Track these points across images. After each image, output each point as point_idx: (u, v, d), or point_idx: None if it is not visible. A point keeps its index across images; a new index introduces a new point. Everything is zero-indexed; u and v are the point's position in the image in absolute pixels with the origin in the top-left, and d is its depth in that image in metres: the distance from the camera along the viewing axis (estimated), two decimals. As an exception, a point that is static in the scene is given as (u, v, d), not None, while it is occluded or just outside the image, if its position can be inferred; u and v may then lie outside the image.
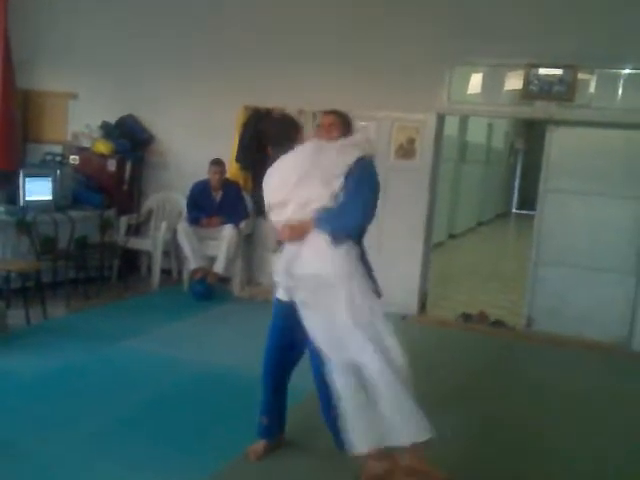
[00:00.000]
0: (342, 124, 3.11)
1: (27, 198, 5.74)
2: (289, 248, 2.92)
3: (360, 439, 2.63)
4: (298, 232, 2.89)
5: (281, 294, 3.03)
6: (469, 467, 3.27)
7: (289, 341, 3.07)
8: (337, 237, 2.83)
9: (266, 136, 3.32)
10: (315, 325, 2.79)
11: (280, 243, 3.02)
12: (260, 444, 3.20)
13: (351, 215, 2.86)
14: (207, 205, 6.32)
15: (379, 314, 2.79)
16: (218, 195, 6.33)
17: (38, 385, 3.91)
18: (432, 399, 4.09)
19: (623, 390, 4.63)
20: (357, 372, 2.69)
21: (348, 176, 2.86)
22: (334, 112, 3.19)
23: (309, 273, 2.84)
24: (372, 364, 2.67)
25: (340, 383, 2.69)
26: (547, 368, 5.04)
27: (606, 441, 3.76)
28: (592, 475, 3.36)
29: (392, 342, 2.74)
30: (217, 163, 6.24)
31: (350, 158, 2.88)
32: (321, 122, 3.18)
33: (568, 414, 4.12)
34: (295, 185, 2.91)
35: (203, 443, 3.30)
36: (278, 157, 3.07)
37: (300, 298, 2.84)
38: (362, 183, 2.87)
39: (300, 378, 3.20)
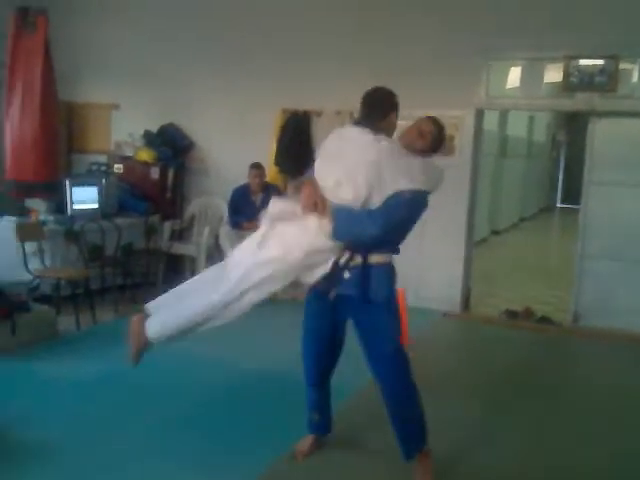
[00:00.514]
0: (433, 142, 2.93)
1: (75, 207, 5.91)
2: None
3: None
4: (318, 206, 2.76)
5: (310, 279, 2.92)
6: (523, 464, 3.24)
7: (323, 340, 3.09)
8: (338, 238, 2.74)
9: (366, 99, 3.09)
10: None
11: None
12: (308, 439, 3.24)
13: (366, 225, 2.71)
14: (248, 209, 6.38)
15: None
16: (258, 198, 6.40)
17: (89, 388, 4.02)
18: (480, 395, 4.09)
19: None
20: None
21: (394, 195, 2.70)
22: (438, 126, 2.96)
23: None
24: None
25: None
26: (595, 363, 4.95)
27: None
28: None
29: None
30: (257, 167, 6.32)
31: (410, 185, 2.73)
32: (423, 128, 2.92)
33: (618, 411, 4.04)
34: (349, 170, 2.76)
35: (252, 442, 3.35)
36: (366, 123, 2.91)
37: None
38: (396, 207, 2.71)
39: (340, 376, 3.22)
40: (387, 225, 2.71)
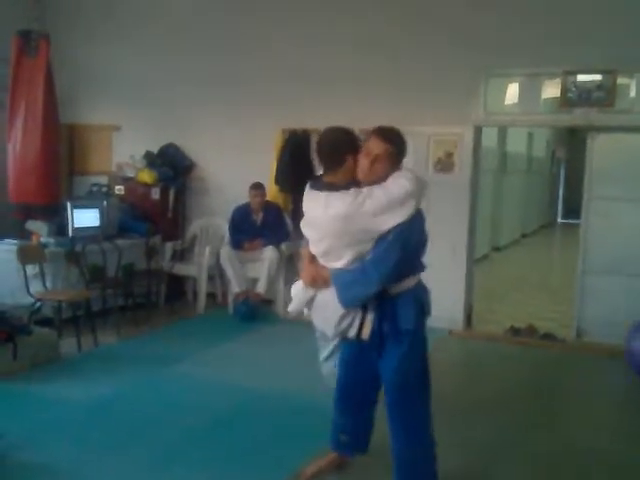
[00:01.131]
0: (394, 156, 2.67)
1: (76, 229, 5.92)
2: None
3: None
4: (320, 281, 2.82)
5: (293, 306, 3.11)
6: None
7: (356, 372, 3.03)
8: (344, 304, 2.74)
9: (318, 150, 2.83)
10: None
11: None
12: (328, 457, 3.20)
13: (365, 284, 2.66)
14: (249, 228, 6.41)
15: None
16: (259, 218, 6.42)
17: (91, 411, 3.99)
18: (482, 410, 4.06)
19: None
20: None
21: (381, 239, 2.63)
22: (388, 138, 2.66)
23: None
24: None
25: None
26: (599, 379, 4.91)
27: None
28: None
29: None
30: (257, 187, 6.34)
31: (387, 225, 2.60)
32: (367, 147, 2.66)
33: (621, 425, 4.01)
34: (325, 241, 2.76)
35: (255, 466, 3.31)
36: (326, 170, 2.78)
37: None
38: (390, 246, 2.61)
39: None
40: (385, 273, 2.64)
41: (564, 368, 5.28)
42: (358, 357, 2.97)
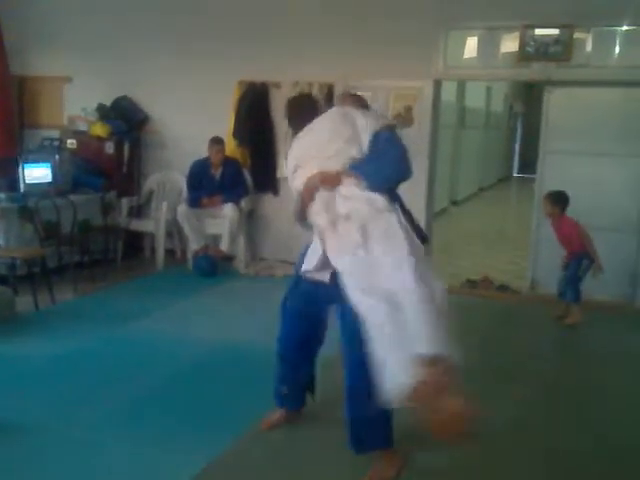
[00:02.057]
0: (355, 102, 3.07)
1: (27, 184, 5.75)
2: (322, 193, 2.69)
3: (394, 377, 2.24)
4: (330, 178, 2.67)
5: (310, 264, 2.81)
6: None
7: (308, 325, 3.02)
8: (374, 186, 2.62)
9: (287, 116, 3.21)
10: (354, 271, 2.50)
11: (303, 212, 2.79)
12: (277, 412, 3.24)
13: (390, 165, 2.68)
14: (207, 183, 6.32)
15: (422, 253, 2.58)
16: (218, 172, 6.33)
17: (51, 368, 3.96)
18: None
19: (630, 346, 4.69)
20: (391, 299, 2.35)
21: (376, 136, 2.72)
22: (345, 96, 3.18)
23: (350, 209, 2.62)
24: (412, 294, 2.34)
25: (370, 306, 2.37)
26: (551, 329, 5.08)
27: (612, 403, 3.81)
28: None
29: (438, 284, 2.46)
30: (218, 142, 6.23)
31: (378, 123, 2.78)
32: (339, 97, 3.18)
33: (580, 371, 4.18)
34: (325, 141, 2.78)
35: (219, 418, 3.35)
36: (297, 131, 2.97)
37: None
38: (393, 141, 2.75)
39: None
40: (402, 154, 2.71)
41: (518, 318, 5.44)
42: (313, 304, 2.94)
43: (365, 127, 2.74)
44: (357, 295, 2.43)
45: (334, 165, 2.70)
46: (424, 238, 2.81)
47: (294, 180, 2.84)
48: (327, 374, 3.36)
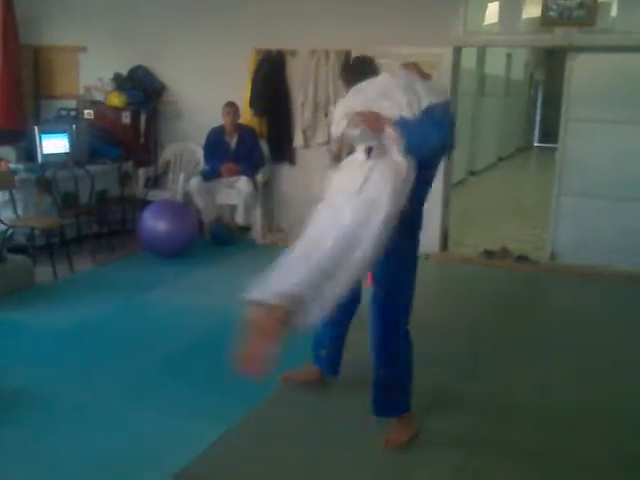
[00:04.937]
0: (420, 73, 3.00)
1: (45, 154, 5.76)
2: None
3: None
4: (374, 120, 2.57)
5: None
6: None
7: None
8: (411, 148, 2.54)
9: (344, 78, 3.17)
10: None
11: (338, 157, 2.79)
12: (310, 369, 3.30)
13: (433, 134, 2.60)
14: (223, 151, 6.28)
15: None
16: (233, 140, 6.28)
17: (68, 337, 4.00)
18: (464, 331, 4.15)
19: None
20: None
21: (432, 107, 2.65)
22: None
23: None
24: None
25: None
26: (571, 298, 5.04)
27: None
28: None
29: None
30: (229, 104, 6.18)
31: (436, 96, 2.73)
32: (404, 65, 3.05)
33: (592, 341, 4.14)
34: (380, 99, 2.68)
35: (235, 386, 3.32)
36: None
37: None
38: (446, 115, 2.74)
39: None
40: (446, 131, 2.68)
41: (537, 288, 5.40)
42: None
43: (424, 96, 2.68)
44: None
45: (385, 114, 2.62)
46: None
47: (337, 126, 2.74)
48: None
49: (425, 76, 3.01)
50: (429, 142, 2.60)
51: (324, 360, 3.30)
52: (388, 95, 2.70)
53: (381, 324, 2.86)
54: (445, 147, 2.76)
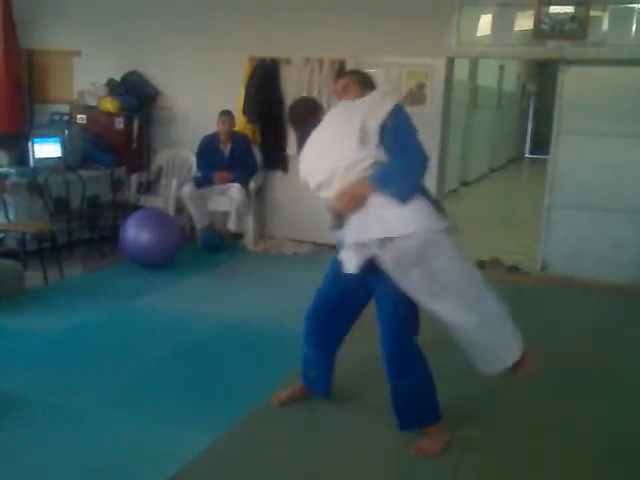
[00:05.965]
0: (358, 83, 2.91)
1: (37, 159, 5.74)
2: (354, 219, 2.68)
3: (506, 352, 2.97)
4: (357, 198, 2.64)
5: (351, 266, 2.72)
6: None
7: (342, 303, 3.00)
8: (404, 197, 2.60)
9: (290, 120, 3.26)
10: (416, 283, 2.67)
11: (340, 217, 2.78)
12: (296, 386, 3.24)
13: (411, 172, 2.65)
14: (216, 159, 6.29)
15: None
16: (227, 148, 6.29)
17: (58, 342, 3.98)
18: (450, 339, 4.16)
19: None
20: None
21: (384, 128, 2.64)
22: (346, 74, 3.06)
23: (386, 237, 2.62)
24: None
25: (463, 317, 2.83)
26: (562, 309, 5.05)
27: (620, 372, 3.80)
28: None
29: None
30: (225, 113, 6.19)
31: (384, 109, 2.67)
32: (333, 89, 3.03)
33: (583, 347, 4.16)
34: (333, 153, 2.71)
35: (225, 394, 3.36)
36: (304, 136, 2.91)
37: (387, 265, 2.66)
38: (403, 132, 2.68)
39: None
40: (421, 150, 2.67)
41: (528, 298, 5.41)
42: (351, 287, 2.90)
43: (370, 120, 2.66)
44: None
45: (353, 177, 2.66)
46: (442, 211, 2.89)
47: (319, 194, 2.82)
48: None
49: (366, 85, 2.91)
50: (413, 174, 2.66)
51: (313, 381, 3.21)
52: (336, 139, 2.72)
53: (389, 336, 2.84)
54: (427, 160, 2.72)
